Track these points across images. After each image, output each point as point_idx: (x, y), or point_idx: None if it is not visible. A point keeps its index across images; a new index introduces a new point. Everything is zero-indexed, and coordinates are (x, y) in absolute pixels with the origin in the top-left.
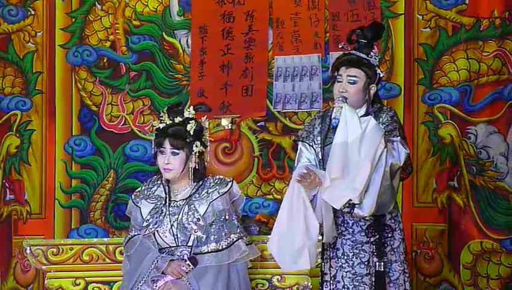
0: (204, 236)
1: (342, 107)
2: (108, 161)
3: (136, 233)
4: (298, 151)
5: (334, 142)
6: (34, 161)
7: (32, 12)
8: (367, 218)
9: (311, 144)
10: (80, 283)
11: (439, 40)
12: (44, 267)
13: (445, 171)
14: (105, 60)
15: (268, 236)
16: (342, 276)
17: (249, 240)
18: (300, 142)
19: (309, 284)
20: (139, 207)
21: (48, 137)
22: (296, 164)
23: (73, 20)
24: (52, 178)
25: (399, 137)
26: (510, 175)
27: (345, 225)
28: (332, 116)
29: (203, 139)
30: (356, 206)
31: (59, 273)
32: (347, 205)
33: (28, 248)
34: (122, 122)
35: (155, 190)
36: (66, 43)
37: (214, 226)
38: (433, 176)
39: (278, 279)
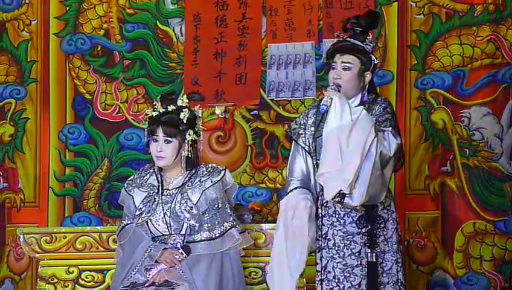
0: (197, 225)
1: (331, 98)
2: (102, 149)
3: (129, 222)
4: (292, 152)
5: (324, 134)
6: (28, 149)
7: (27, 1)
8: (358, 208)
9: (303, 145)
10: (73, 271)
11: (433, 27)
12: (37, 255)
13: (437, 157)
14: (99, 49)
15: (262, 225)
16: (333, 267)
17: (242, 229)
18: (293, 142)
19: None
20: (132, 196)
21: (42, 125)
22: (288, 166)
23: (67, 8)
24: (46, 166)
25: (390, 128)
26: (504, 156)
27: (336, 216)
28: (321, 103)
29: (196, 128)
30: (347, 196)
31: (52, 262)
32: (337, 194)
33: (22, 236)
34: (116, 111)
35: (147, 179)
36: (60, 31)
37: (207, 214)
38: (426, 162)
39: None
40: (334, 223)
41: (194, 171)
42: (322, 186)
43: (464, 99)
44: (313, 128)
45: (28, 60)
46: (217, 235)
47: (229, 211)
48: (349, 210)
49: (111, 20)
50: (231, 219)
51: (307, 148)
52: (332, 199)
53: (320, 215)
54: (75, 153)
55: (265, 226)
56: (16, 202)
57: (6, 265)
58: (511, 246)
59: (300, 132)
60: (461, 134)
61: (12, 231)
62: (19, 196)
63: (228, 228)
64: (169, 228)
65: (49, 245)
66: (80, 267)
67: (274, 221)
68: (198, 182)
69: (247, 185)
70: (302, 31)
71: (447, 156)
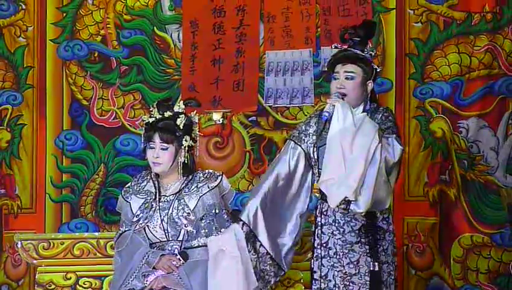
0: (195, 230)
1: (334, 105)
2: (99, 155)
3: (126, 228)
4: (283, 149)
5: (327, 141)
6: (24, 156)
7: (23, 7)
8: (359, 218)
9: (300, 144)
10: (70, 277)
11: (431, 35)
12: (35, 261)
13: (436, 165)
14: (96, 55)
15: None
16: (334, 275)
17: None
18: (287, 142)
19: (300, 278)
20: (129, 202)
21: (38, 131)
22: (276, 158)
23: (64, 14)
24: (42, 173)
25: (394, 135)
26: (500, 169)
27: (336, 225)
28: (324, 110)
29: (192, 134)
30: (352, 202)
31: (50, 268)
32: (343, 201)
33: (19, 243)
34: (113, 117)
35: (145, 185)
36: (57, 37)
37: (204, 220)
38: (425, 170)
39: None
40: (334, 232)
41: (190, 177)
42: (322, 195)
43: (462, 110)
44: (314, 137)
45: (25, 65)
46: None
47: (225, 216)
48: (349, 219)
49: (108, 26)
50: (228, 224)
51: (307, 155)
52: (338, 207)
53: (320, 223)
54: (72, 159)
55: None
56: (13, 208)
57: (3, 272)
58: (507, 258)
59: (302, 138)
60: (459, 145)
61: (9, 238)
62: (16, 202)
63: None
64: (166, 234)
65: (46, 251)
66: (77, 273)
67: None
68: (195, 188)
69: (246, 190)
70: (300, 38)
71: (446, 165)
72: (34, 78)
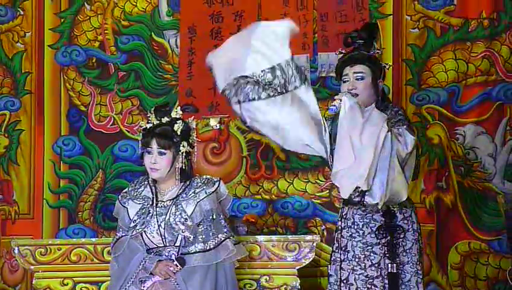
0: (192, 236)
1: (341, 100)
2: (97, 161)
3: (123, 234)
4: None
5: (337, 134)
6: (22, 161)
7: (21, 13)
8: (377, 219)
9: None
10: (68, 283)
11: (428, 41)
12: (32, 267)
13: (433, 172)
14: (94, 60)
15: (257, 237)
16: (355, 279)
17: (237, 240)
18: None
19: (297, 284)
20: (126, 208)
21: (36, 137)
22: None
23: (62, 20)
24: (40, 178)
25: (405, 126)
26: (498, 176)
27: (355, 227)
28: (331, 104)
29: (190, 140)
30: (366, 193)
31: (47, 274)
32: (356, 193)
33: (16, 248)
34: (110, 122)
35: (142, 191)
36: (55, 43)
37: (201, 226)
38: (421, 177)
39: (266, 279)
40: (353, 235)
41: (188, 182)
42: (343, 200)
43: (459, 116)
44: (329, 139)
45: (23, 71)
46: (212, 246)
47: (223, 222)
48: (367, 220)
49: (106, 32)
50: (225, 230)
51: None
52: (352, 198)
53: (340, 228)
54: (70, 165)
55: (260, 238)
56: (11, 214)
57: (0, 277)
58: (505, 265)
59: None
60: (456, 152)
61: (6, 243)
62: (13, 208)
63: (223, 239)
64: (163, 239)
65: (43, 257)
66: (74, 279)
67: (269, 233)
68: (193, 194)
69: (243, 196)
70: (297, 44)
71: (443, 172)
72: (32, 83)
